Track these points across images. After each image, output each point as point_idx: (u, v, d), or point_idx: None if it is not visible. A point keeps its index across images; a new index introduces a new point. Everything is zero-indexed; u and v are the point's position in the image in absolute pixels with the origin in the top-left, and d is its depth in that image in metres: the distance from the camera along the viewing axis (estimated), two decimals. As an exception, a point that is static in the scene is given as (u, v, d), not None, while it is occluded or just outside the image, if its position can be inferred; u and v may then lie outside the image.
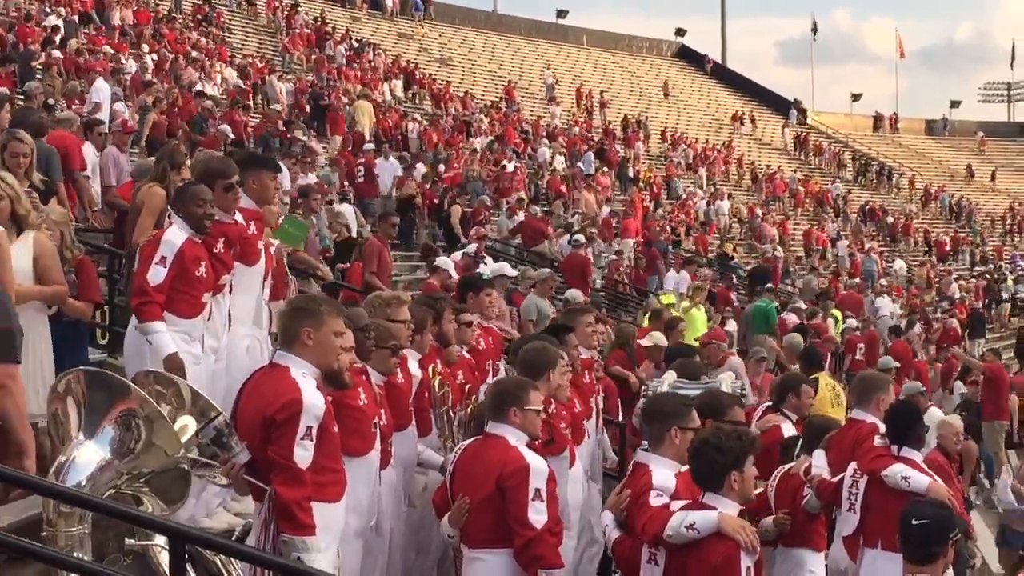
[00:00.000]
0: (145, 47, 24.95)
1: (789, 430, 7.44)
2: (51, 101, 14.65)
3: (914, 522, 4.58)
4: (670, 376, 7.02)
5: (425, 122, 29.27)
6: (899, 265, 34.85)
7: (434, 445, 6.27)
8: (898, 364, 15.13)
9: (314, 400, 4.53)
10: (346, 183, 18.92)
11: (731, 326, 15.31)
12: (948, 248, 40.12)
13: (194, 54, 25.94)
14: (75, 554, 4.14)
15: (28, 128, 9.72)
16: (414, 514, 6.15)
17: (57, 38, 21.91)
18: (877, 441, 6.36)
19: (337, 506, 4.75)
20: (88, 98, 16.84)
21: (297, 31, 34.80)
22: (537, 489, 4.89)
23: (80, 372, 4.53)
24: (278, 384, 4.58)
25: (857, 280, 27.66)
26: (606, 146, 35.36)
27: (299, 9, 36.31)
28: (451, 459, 5.40)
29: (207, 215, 6.04)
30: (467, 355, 7.07)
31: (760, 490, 6.75)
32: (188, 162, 8.21)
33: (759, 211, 35.17)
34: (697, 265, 20.83)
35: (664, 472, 4.93)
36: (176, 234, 5.95)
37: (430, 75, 38.02)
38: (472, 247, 13.57)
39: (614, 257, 21.07)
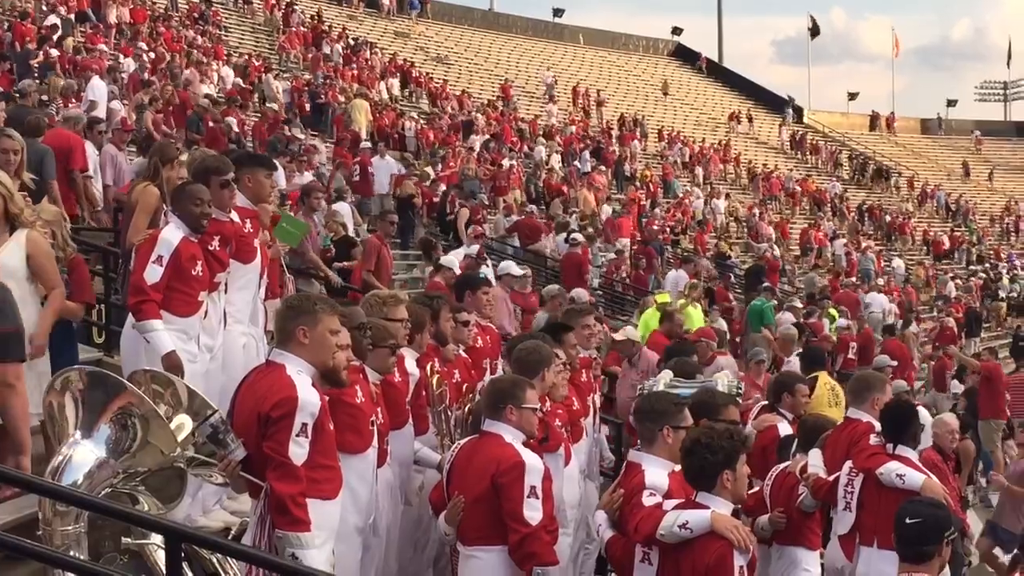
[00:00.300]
0: (143, 45, 24.93)
1: (785, 429, 7.45)
2: (44, 98, 14.62)
3: (908, 521, 4.57)
4: (666, 375, 7.03)
5: (422, 121, 29.27)
6: (897, 264, 34.89)
7: (431, 444, 6.27)
8: (895, 363, 15.15)
9: (309, 397, 4.55)
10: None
11: (721, 324, 15.31)
12: (945, 247, 40.17)
13: (192, 52, 25.94)
14: (71, 553, 4.16)
15: (25, 127, 9.72)
16: (410, 512, 6.16)
17: (55, 36, 21.88)
18: (872, 440, 6.38)
19: (333, 503, 4.76)
20: (84, 96, 16.83)
21: (294, 29, 34.79)
22: (532, 486, 4.91)
23: (81, 370, 4.54)
24: (274, 382, 4.59)
25: (853, 279, 27.66)
26: (602, 145, 35.38)
27: (295, 8, 36.27)
28: (448, 457, 5.41)
29: (204, 214, 6.06)
30: (464, 354, 7.07)
31: (756, 489, 6.77)
32: (183, 157, 8.20)
33: (756, 210, 35.18)
34: (695, 263, 20.83)
35: (657, 471, 4.92)
36: (173, 233, 5.97)
37: (427, 74, 38.03)
38: (474, 248, 13.56)
39: (613, 256, 21.06)
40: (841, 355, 17.75)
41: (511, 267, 12.54)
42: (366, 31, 41.25)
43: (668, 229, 27.38)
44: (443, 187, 21.32)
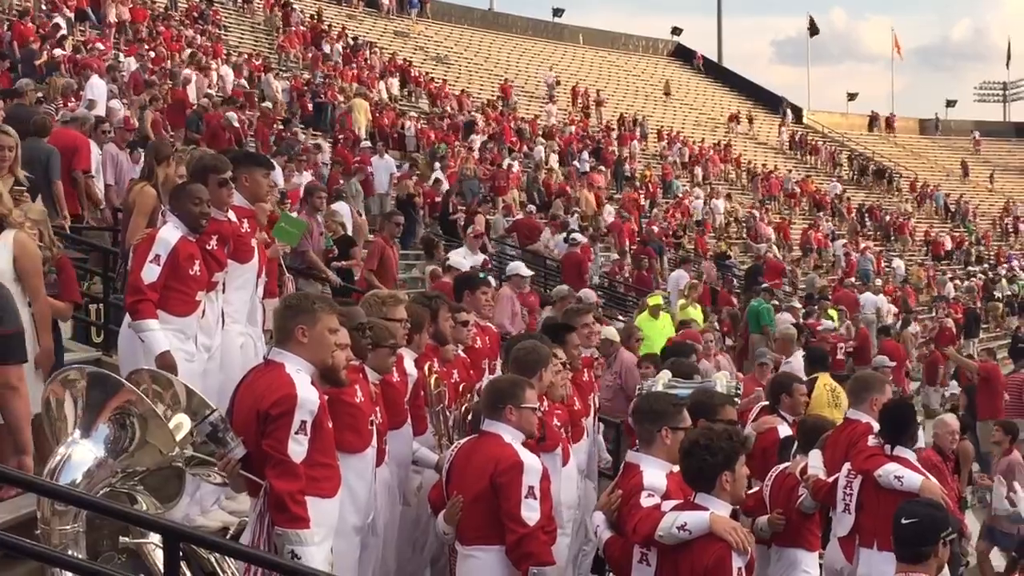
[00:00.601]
0: (144, 45, 24.92)
1: (785, 430, 7.45)
2: (40, 96, 14.57)
3: (904, 521, 4.57)
4: (664, 375, 7.03)
5: (422, 121, 29.26)
6: (897, 264, 34.89)
7: (429, 444, 6.27)
8: (894, 363, 15.15)
9: (308, 395, 4.56)
10: (341, 180, 18.88)
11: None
12: (944, 248, 40.15)
13: (191, 52, 25.92)
14: (69, 552, 4.15)
15: (32, 127, 9.71)
16: (409, 512, 6.16)
17: (58, 35, 21.85)
18: (871, 441, 6.38)
19: (331, 501, 4.77)
20: (83, 95, 16.80)
21: (293, 29, 34.78)
22: (531, 487, 4.91)
23: (82, 369, 4.53)
24: (273, 380, 4.61)
25: (853, 279, 27.65)
26: (602, 145, 35.37)
27: (294, 7, 36.25)
28: (448, 456, 5.42)
29: (203, 213, 6.06)
30: (463, 354, 7.07)
31: (756, 490, 6.77)
32: (183, 157, 8.17)
33: (756, 211, 35.17)
34: (699, 267, 20.84)
35: (655, 472, 4.92)
36: (170, 232, 5.96)
37: (426, 73, 38.03)
38: (479, 258, 13.46)
39: (616, 256, 21.01)
40: (831, 356, 17.72)
41: (520, 268, 12.50)
42: (366, 31, 41.25)
43: (671, 233, 27.40)
44: (445, 186, 21.31)
